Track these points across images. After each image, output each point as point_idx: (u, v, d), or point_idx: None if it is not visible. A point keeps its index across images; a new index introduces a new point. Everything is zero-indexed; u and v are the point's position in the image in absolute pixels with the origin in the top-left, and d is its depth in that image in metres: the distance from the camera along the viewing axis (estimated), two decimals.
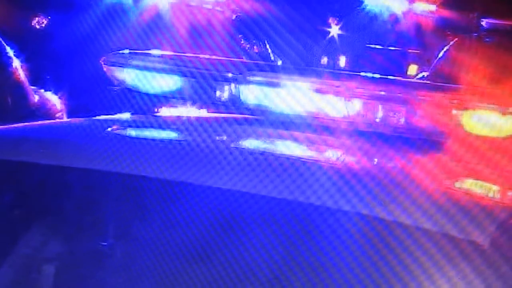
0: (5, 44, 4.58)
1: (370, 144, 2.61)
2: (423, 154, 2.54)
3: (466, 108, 2.62)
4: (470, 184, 2.51)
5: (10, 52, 4.60)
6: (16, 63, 4.62)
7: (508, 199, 2.45)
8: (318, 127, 2.67)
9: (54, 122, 4.12)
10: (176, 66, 2.85)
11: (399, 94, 2.71)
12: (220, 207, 2.08)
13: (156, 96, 2.91)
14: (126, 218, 2.24)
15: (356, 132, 2.67)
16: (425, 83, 4.52)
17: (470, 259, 1.83)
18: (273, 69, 3.01)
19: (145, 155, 2.23)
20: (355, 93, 2.69)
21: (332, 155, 2.65)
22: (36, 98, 4.83)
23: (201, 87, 2.80)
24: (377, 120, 2.69)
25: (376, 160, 2.57)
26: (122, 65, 2.93)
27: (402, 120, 2.68)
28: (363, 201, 1.99)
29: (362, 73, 3.24)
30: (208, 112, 2.95)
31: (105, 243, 2.27)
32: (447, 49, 5.10)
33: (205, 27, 5.66)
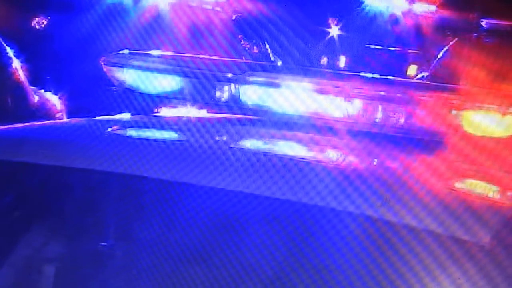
0: (5, 45, 4.58)
1: (371, 144, 2.61)
2: (423, 155, 2.53)
3: (466, 108, 2.62)
4: (470, 185, 2.51)
5: (10, 52, 4.60)
6: (16, 63, 4.61)
7: (510, 198, 2.45)
8: (318, 128, 2.66)
9: (54, 123, 4.12)
10: (176, 67, 2.85)
11: (399, 95, 2.71)
12: (221, 208, 2.08)
13: (156, 96, 2.91)
14: (126, 218, 2.24)
15: (356, 132, 2.67)
16: (425, 83, 4.51)
17: (472, 259, 1.83)
18: (273, 69, 3.01)
19: (145, 155, 2.23)
20: (355, 93, 2.69)
21: (333, 155, 2.65)
22: (36, 98, 4.82)
23: (201, 88, 2.80)
24: (378, 120, 2.68)
25: (377, 160, 2.57)
26: (122, 66, 2.92)
27: (402, 121, 2.68)
28: (364, 202, 1.98)
29: (362, 73, 3.24)
30: (208, 112, 2.95)
31: (106, 244, 2.27)
32: (447, 50, 5.10)
33: (205, 27, 5.66)
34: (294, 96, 2.68)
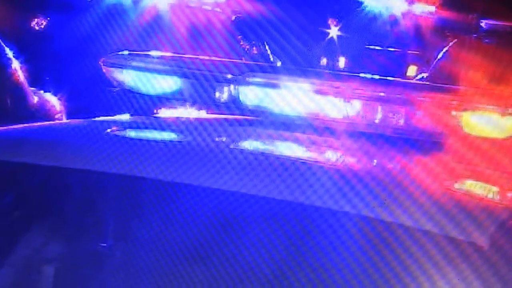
0: (4, 45, 4.58)
1: (370, 145, 2.61)
2: (423, 155, 2.54)
3: (465, 109, 2.62)
4: (470, 185, 2.52)
5: (10, 53, 4.60)
6: (16, 64, 4.61)
7: (508, 200, 2.45)
8: (317, 128, 2.67)
9: (54, 123, 4.12)
10: (175, 67, 2.85)
11: (399, 95, 2.71)
12: (220, 208, 2.08)
13: (155, 97, 2.91)
14: (125, 219, 2.24)
15: (356, 133, 2.67)
16: (425, 84, 4.52)
17: (470, 260, 1.83)
18: (273, 70, 3.02)
19: (144, 156, 2.23)
20: (354, 94, 2.69)
21: (331, 156, 2.65)
22: (36, 99, 4.83)
23: (201, 88, 2.80)
24: (377, 121, 2.69)
25: (375, 161, 2.57)
26: (121, 66, 2.93)
27: (402, 121, 2.68)
28: (363, 202, 1.98)
29: (362, 74, 3.24)
30: (207, 113, 2.95)
31: (105, 244, 2.27)
32: (446, 50, 5.11)
33: (204, 28, 5.66)
34: (293, 97, 2.69)
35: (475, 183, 2.52)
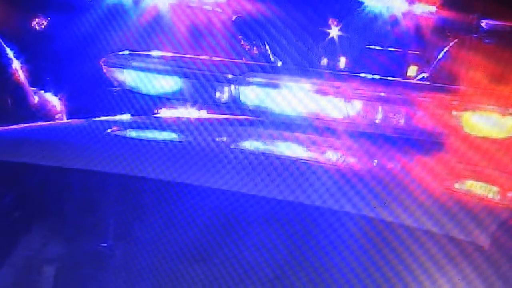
0: (5, 45, 4.58)
1: (370, 145, 2.61)
2: (424, 155, 2.54)
3: (466, 109, 2.62)
4: (470, 185, 2.52)
5: (10, 53, 4.61)
6: (16, 64, 4.62)
7: (508, 199, 2.45)
8: (318, 128, 2.67)
9: (54, 123, 4.12)
10: (176, 67, 2.85)
11: (399, 95, 2.71)
12: (220, 208, 2.08)
13: (156, 97, 2.91)
14: (126, 219, 2.24)
15: (356, 133, 2.67)
16: (425, 84, 4.52)
17: (470, 259, 1.84)
18: (273, 70, 3.02)
19: (145, 156, 2.23)
20: (355, 94, 2.69)
21: (332, 156, 2.65)
22: (36, 99, 4.83)
23: (201, 88, 2.80)
24: (377, 121, 2.69)
25: (376, 161, 2.57)
26: (122, 66, 2.93)
27: (402, 121, 2.68)
28: (363, 202, 1.98)
29: (362, 74, 3.24)
30: (208, 113, 2.95)
31: (105, 244, 2.27)
32: (447, 50, 5.11)
33: (205, 28, 5.66)
34: (293, 97, 2.69)
35: (475, 183, 2.53)
